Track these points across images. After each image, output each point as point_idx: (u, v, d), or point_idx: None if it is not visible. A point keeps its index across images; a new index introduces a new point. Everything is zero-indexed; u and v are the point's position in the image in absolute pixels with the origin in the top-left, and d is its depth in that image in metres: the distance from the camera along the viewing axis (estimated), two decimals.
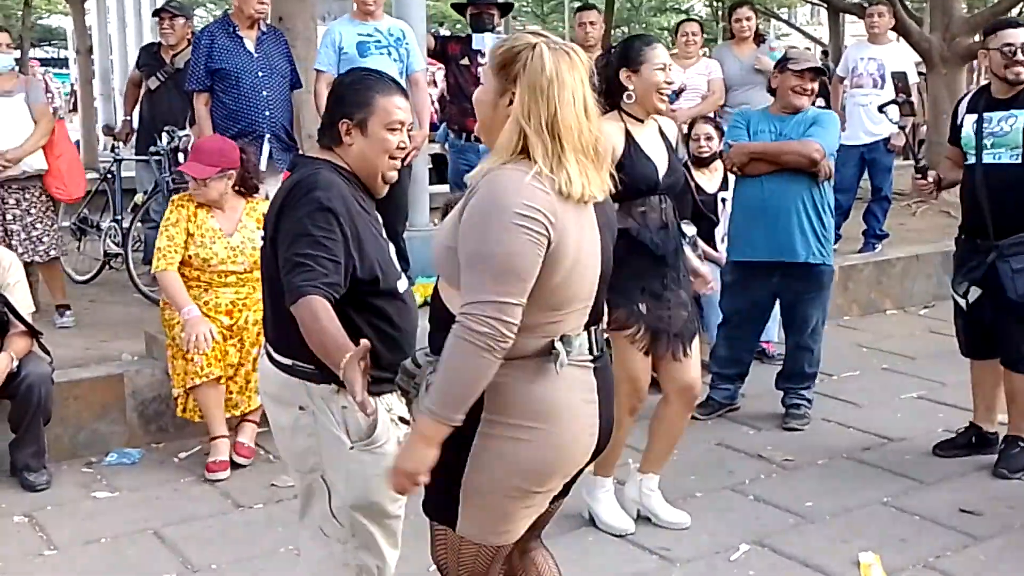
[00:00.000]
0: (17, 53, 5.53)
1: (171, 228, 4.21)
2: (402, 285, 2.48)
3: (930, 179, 4.16)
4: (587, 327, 2.09)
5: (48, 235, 5.40)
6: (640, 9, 23.13)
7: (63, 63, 26.28)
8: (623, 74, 3.35)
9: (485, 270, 1.92)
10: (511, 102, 2.00)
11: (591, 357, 2.10)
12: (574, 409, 2.08)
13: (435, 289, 2.17)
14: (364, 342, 2.13)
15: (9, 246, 5.23)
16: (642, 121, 3.41)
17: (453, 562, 2.20)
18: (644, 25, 23.53)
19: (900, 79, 4.75)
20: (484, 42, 5.81)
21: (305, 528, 2.57)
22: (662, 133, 3.46)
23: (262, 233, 4.27)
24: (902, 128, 5.29)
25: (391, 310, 2.42)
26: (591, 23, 6.41)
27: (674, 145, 3.50)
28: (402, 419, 2.45)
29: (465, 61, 5.82)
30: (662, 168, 3.39)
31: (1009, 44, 3.91)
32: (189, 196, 4.28)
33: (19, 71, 5.51)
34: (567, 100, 1.97)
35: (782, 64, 4.56)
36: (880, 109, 4.65)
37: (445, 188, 7.26)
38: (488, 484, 2.07)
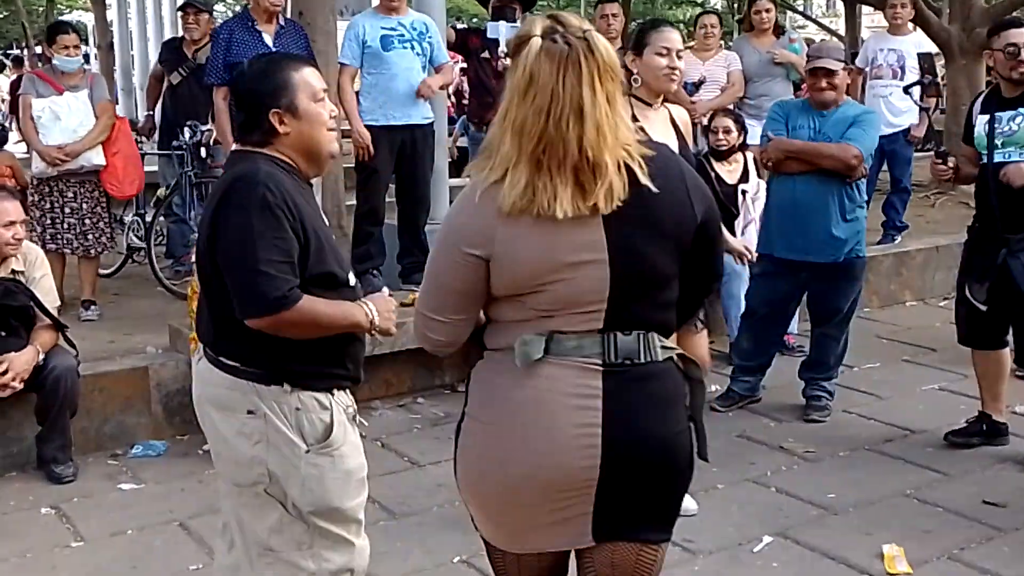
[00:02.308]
0: (83, 52, 5.65)
1: None
2: (352, 278, 2.40)
3: (950, 164, 4.15)
4: (607, 331, 1.92)
5: (94, 232, 5.48)
6: (656, 2, 23.08)
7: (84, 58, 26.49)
8: (628, 58, 3.40)
9: (424, 281, 2.01)
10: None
11: (599, 361, 1.91)
12: (550, 408, 1.91)
13: None
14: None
15: (63, 239, 5.32)
16: (650, 105, 3.43)
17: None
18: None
19: (926, 60, 4.73)
20: (499, 31, 5.82)
21: (244, 556, 2.39)
22: (672, 121, 3.46)
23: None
24: (925, 109, 5.27)
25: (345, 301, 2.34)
26: (613, 15, 6.39)
27: (684, 133, 3.48)
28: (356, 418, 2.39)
29: (485, 54, 5.83)
30: None
31: (1012, 44, 3.93)
32: None
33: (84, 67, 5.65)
34: (540, 105, 1.80)
35: (807, 61, 4.60)
36: (905, 90, 4.65)
37: (465, 181, 7.28)
38: (462, 475, 2.04)
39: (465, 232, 1.89)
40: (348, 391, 2.42)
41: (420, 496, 3.89)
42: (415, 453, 4.34)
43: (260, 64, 2.33)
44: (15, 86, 8.37)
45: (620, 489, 1.93)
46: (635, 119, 3.39)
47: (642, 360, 1.94)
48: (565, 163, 1.82)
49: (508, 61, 5.82)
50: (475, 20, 30.65)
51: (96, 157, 5.39)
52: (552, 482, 1.92)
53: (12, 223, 3.91)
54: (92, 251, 5.51)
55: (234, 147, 2.36)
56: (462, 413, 2.05)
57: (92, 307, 5.49)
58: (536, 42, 1.83)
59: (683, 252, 1.96)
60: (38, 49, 18.46)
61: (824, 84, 4.41)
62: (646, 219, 1.90)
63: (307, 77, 2.29)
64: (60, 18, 25.00)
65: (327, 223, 2.38)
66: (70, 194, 5.39)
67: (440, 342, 1.99)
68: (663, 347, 1.98)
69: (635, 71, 3.39)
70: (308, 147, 2.30)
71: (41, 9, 24.02)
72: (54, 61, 5.48)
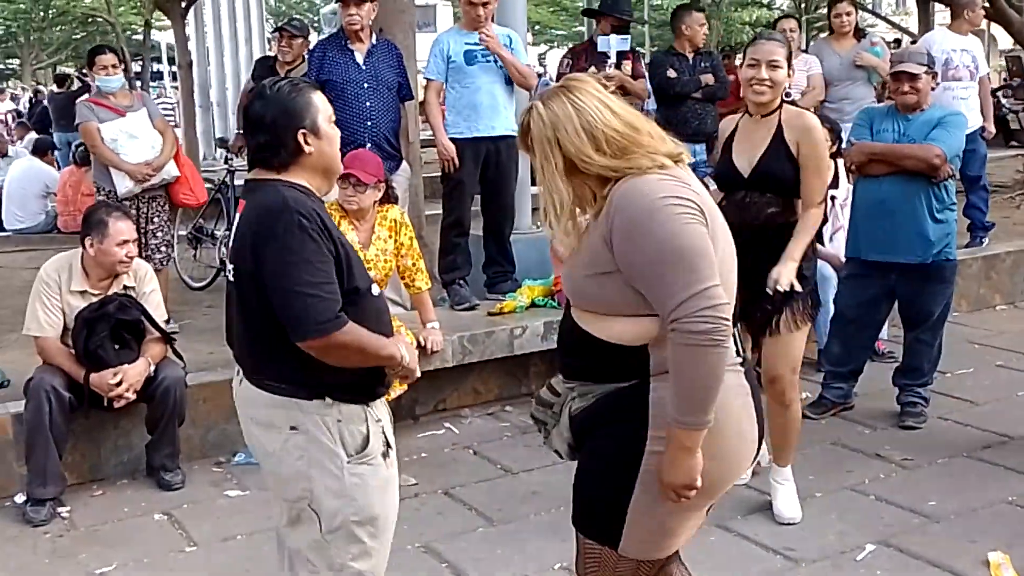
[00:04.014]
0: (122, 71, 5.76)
1: None
2: (375, 288, 2.45)
3: None
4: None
5: (166, 244, 5.63)
6: (722, 4, 22.91)
7: (157, 76, 27.27)
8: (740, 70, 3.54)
9: (674, 268, 1.91)
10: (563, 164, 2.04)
11: (740, 360, 2.09)
12: (735, 415, 2.07)
13: (565, 317, 2.19)
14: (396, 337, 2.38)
15: (143, 254, 5.46)
16: (751, 115, 3.49)
17: None
18: (726, 20, 23.34)
19: (1015, 63, 4.68)
20: (609, 43, 5.94)
21: (294, 559, 2.47)
22: (780, 128, 3.49)
23: (387, 243, 4.31)
24: (1016, 112, 5.17)
25: (373, 314, 2.39)
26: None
27: (787, 139, 3.48)
28: (387, 440, 2.42)
29: (593, 69, 5.94)
30: (744, 164, 3.46)
31: None
32: (335, 205, 4.30)
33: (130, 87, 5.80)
34: (584, 121, 2.00)
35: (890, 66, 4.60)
36: (993, 93, 4.58)
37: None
38: (659, 502, 2.06)
39: (678, 196, 1.97)
40: (383, 403, 2.48)
41: (516, 503, 3.95)
42: (508, 461, 4.40)
43: (284, 87, 2.37)
44: None
45: None
46: (735, 129, 3.52)
47: (745, 354, 2.15)
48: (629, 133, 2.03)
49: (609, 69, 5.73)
50: (537, 27, 30.88)
51: (173, 170, 5.55)
52: (729, 485, 2.16)
53: (126, 242, 4.06)
54: (164, 263, 5.64)
55: (250, 175, 2.41)
56: (634, 437, 2.05)
57: (170, 323, 5.60)
58: (536, 105, 2.06)
59: None
60: (136, 67, 18.95)
61: (907, 88, 4.41)
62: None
63: (323, 100, 2.39)
64: (133, 38, 25.78)
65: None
66: (145, 210, 5.53)
67: (728, 308, 1.95)
68: None
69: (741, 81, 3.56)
70: (327, 166, 2.39)
71: (132, 36, 24.69)
72: (96, 82, 5.62)
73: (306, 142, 2.33)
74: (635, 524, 2.10)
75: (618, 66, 6.00)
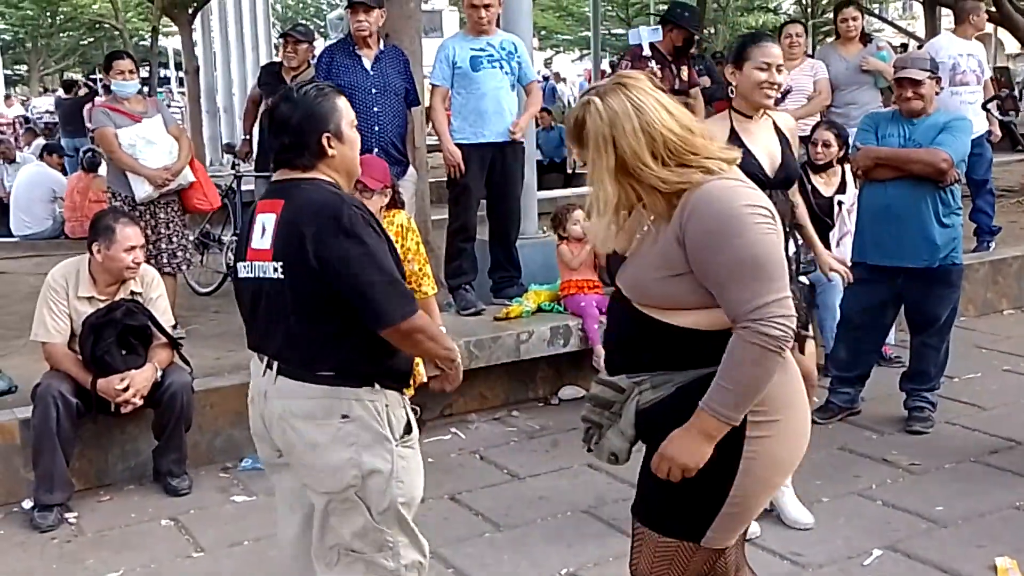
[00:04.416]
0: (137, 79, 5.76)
1: None
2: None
3: None
4: None
5: (180, 250, 5.64)
6: (727, 9, 22.93)
7: (164, 82, 27.38)
8: (728, 70, 3.45)
9: (753, 277, 1.95)
10: (615, 163, 2.02)
11: None
12: (803, 395, 2.16)
13: (621, 316, 2.15)
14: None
15: (158, 260, 5.48)
16: (750, 117, 3.45)
17: (676, 573, 2.17)
18: (732, 25, 23.34)
19: (1003, 74, 4.68)
20: (640, 35, 5.95)
21: (324, 557, 2.50)
22: (777, 129, 3.47)
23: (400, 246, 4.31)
24: (1010, 123, 5.17)
25: None
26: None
27: (790, 139, 3.48)
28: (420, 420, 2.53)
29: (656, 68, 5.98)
30: (769, 163, 3.41)
31: None
32: None
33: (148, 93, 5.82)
34: (644, 120, 2.00)
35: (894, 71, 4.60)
36: (984, 106, 4.58)
37: (552, 194, 7.35)
38: (760, 486, 2.09)
39: (758, 205, 2.01)
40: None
41: (522, 508, 3.95)
42: (514, 466, 4.40)
43: (311, 91, 2.42)
44: None
45: None
46: (733, 131, 3.46)
47: None
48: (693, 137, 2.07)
49: (653, 65, 5.78)
50: (543, 32, 30.93)
51: (189, 175, 5.58)
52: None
53: (133, 248, 4.07)
54: (182, 267, 5.67)
55: (277, 174, 2.44)
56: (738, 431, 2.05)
57: (176, 328, 5.61)
58: (592, 99, 2.04)
59: None
60: (144, 72, 19.04)
61: (911, 94, 4.40)
62: None
63: (346, 105, 2.45)
64: (140, 43, 25.85)
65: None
66: (161, 215, 5.55)
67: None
68: None
69: (733, 83, 3.43)
70: (348, 169, 2.46)
71: (142, 42, 24.76)
72: (112, 87, 5.64)
73: (329, 145, 2.40)
74: (730, 515, 2.10)
75: (678, 74, 6.04)
